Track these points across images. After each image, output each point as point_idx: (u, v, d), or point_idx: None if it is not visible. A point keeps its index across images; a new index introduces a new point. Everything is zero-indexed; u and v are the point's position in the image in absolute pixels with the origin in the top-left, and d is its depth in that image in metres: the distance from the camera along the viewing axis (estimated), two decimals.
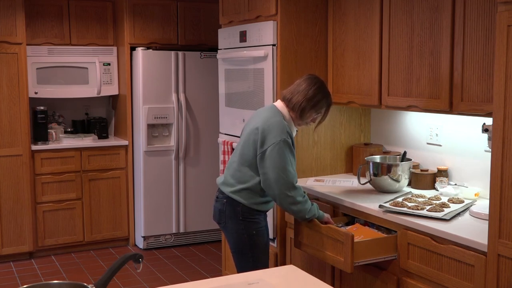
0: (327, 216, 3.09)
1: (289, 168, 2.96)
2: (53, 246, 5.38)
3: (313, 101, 3.06)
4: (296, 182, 2.99)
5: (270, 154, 2.96)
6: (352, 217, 3.25)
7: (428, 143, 3.58)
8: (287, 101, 3.09)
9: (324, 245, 2.99)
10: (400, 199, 3.10)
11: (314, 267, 3.50)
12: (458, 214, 2.86)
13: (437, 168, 3.43)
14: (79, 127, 5.78)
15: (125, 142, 5.59)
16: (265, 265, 3.17)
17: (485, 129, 2.78)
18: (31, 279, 4.76)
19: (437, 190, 3.33)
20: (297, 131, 3.24)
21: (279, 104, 3.13)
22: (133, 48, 5.48)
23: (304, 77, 3.15)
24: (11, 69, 5.04)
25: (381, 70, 3.37)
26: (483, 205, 2.89)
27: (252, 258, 3.11)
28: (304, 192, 3.04)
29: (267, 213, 3.25)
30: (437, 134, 3.51)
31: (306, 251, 3.19)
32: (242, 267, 3.12)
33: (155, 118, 5.44)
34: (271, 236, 3.66)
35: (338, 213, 3.34)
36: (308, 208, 3.00)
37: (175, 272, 4.94)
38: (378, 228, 3.05)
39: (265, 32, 3.76)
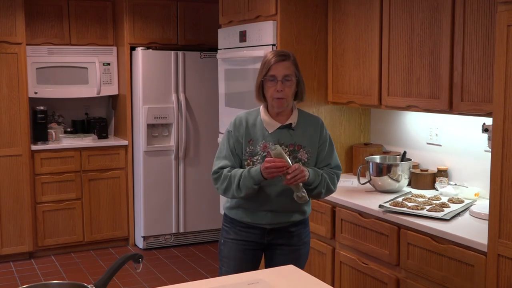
0: (264, 164, 2.54)
1: (215, 160, 2.73)
2: (53, 246, 5.38)
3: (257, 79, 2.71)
4: (216, 172, 2.69)
5: None
6: None
7: (428, 143, 3.58)
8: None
9: (367, 239, 3.03)
10: (400, 199, 3.10)
11: (314, 267, 3.50)
12: (458, 214, 2.86)
13: (437, 168, 3.42)
14: (79, 127, 5.78)
15: (125, 142, 5.58)
16: None
17: (485, 129, 2.78)
18: (31, 279, 4.75)
19: (437, 190, 3.33)
20: (291, 127, 2.68)
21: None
22: (133, 48, 5.48)
23: None
24: (11, 69, 5.04)
25: (381, 70, 3.37)
26: (483, 205, 2.89)
27: (221, 267, 2.92)
28: (230, 170, 2.65)
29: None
30: (437, 134, 3.50)
31: (347, 245, 3.22)
32: None
33: (155, 118, 5.43)
34: None
35: (338, 213, 3.34)
36: (242, 189, 2.61)
37: (175, 272, 4.94)
38: None
39: (265, 32, 3.76)
